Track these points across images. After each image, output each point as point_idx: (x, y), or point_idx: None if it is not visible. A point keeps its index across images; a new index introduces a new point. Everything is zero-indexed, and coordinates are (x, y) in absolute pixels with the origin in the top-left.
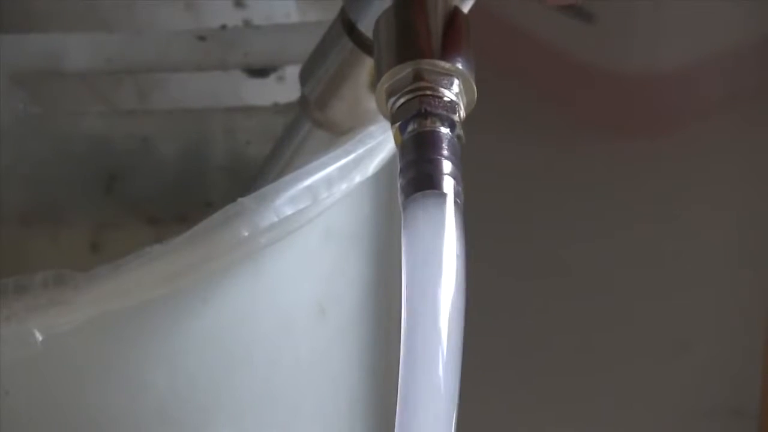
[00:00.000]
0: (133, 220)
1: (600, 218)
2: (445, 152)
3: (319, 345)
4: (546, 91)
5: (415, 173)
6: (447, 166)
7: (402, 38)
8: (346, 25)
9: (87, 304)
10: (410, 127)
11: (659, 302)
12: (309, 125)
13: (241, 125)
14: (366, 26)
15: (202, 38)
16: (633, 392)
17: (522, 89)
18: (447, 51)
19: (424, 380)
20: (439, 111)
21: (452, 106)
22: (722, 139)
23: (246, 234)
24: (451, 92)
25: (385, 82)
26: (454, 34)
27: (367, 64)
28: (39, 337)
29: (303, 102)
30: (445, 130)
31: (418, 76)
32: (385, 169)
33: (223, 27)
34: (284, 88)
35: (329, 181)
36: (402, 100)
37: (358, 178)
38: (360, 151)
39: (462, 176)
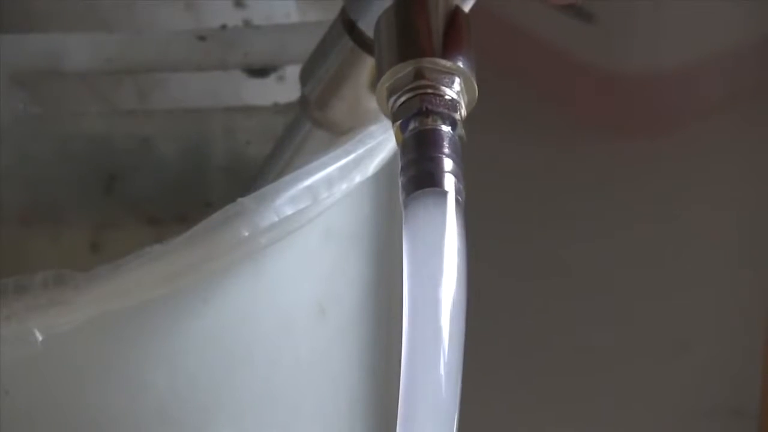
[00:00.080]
0: (133, 220)
1: (600, 218)
2: (446, 150)
3: (319, 345)
4: (546, 91)
5: (416, 171)
6: (448, 163)
7: (403, 37)
8: (347, 24)
9: (87, 304)
10: (411, 126)
11: (659, 302)
12: (309, 125)
13: (241, 125)
14: (366, 25)
15: (202, 38)
16: (633, 392)
17: (522, 89)
18: (448, 50)
19: (426, 378)
20: (440, 109)
21: (453, 104)
22: (722, 139)
23: (246, 234)
24: (452, 91)
25: (386, 81)
26: (455, 33)
27: (368, 63)
28: (39, 337)
29: (303, 102)
30: (446, 128)
31: (419, 75)
32: (385, 169)
33: (223, 27)
34: (284, 88)
35: (329, 181)
36: (403, 99)
37: (358, 178)
38: (360, 151)
39: (463, 174)
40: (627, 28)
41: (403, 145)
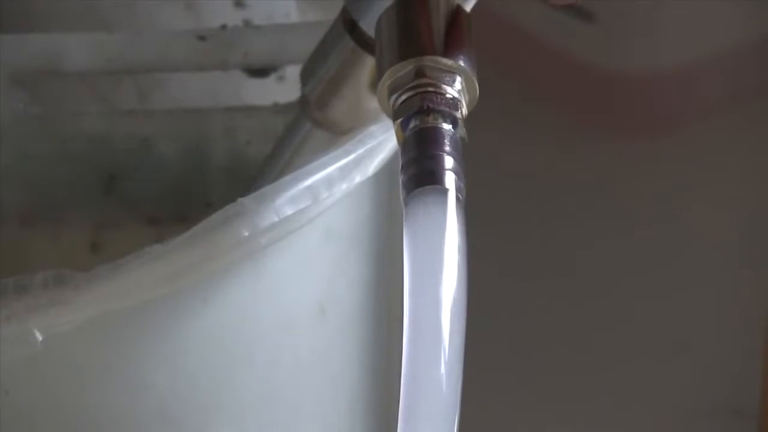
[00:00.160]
0: (133, 220)
1: (600, 218)
2: (447, 148)
3: (319, 345)
4: (546, 91)
5: (417, 169)
6: (449, 161)
7: (404, 36)
8: (348, 24)
9: (87, 304)
10: (412, 124)
11: (659, 302)
12: (309, 125)
13: (241, 125)
14: (367, 25)
15: (202, 38)
16: (633, 392)
17: (522, 89)
18: (449, 48)
19: (427, 377)
20: (441, 107)
21: (454, 102)
22: (722, 139)
23: (246, 234)
24: (454, 89)
25: (386, 80)
26: (456, 32)
27: (368, 63)
28: (39, 337)
29: (303, 102)
30: (447, 127)
31: (420, 73)
32: (385, 169)
33: (223, 27)
34: (284, 88)
35: (329, 181)
36: (404, 97)
37: (358, 178)
38: (360, 151)
39: (464, 172)
40: (627, 28)
41: (403, 143)
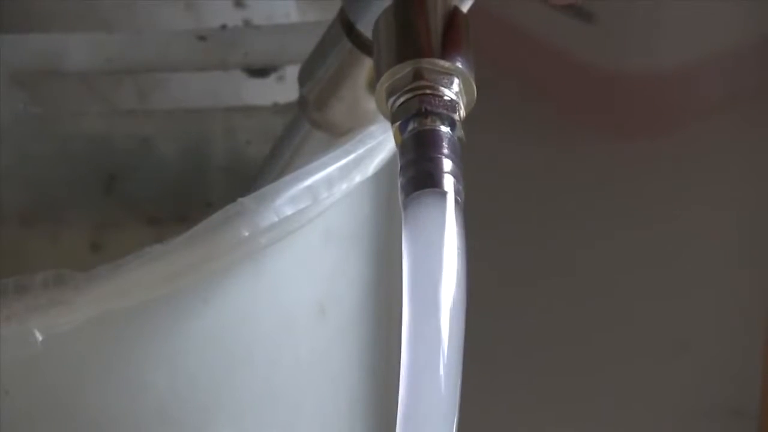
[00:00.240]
0: (133, 220)
1: (600, 218)
2: (446, 151)
3: (319, 345)
4: (546, 91)
5: (416, 172)
6: (447, 164)
7: (402, 38)
8: (345, 25)
9: (87, 304)
10: (410, 126)
11: (659, 302)
12: (308, 126)
13: (241, 125)
14: (365, 26)
15: (202, 38)
16: (633, 392)
17: (522, 89)
18: (447, 50)
19: (426, 379)
20: (439, 110)
21: (452, 105)
22: (722, 139)
23: (246, 234)
24: (451, 91)
25: (384, 82)
26: (453, 34)
27: (366, 64)
28: (39, 337)
29: (302, 102)
30: (445, 129)
31: (418, 75)
32: (385, 169)
33: (223, 27)
34: (284, 88)
35: (329, 181)
36: (402, 99)
37: (358, 178)
38: (360, 151)
39: (462, 175)
40: (627, 28)
41: (402, 145)
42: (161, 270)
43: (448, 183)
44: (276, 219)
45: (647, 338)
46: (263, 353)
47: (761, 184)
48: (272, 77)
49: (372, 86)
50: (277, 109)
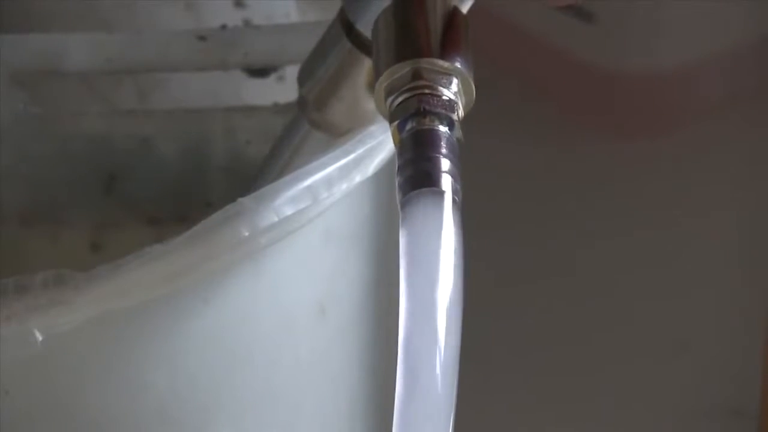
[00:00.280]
0: (133, 220)
1: (599, 218)
2: (444, 150)
3: (319, 345)
4: (546, 91)
5: (413, 171)
6: (445, 164)
7: (401, 37)
8: (345, 25)
9: (87, 304)
10: (408, 126)
11: (659, 302)
12: (307, 126)
13: (241, 125)
14: (365, 26)
15: (202, 38)
16: (633, 392)
17: (522, 89)
18: (446, 50)
19: (421, 378)
20: (438, 110)
21: (451, 105)
22: (722, 139)
23: (246, 234)
24: (450, 91)
25: (383, 81)
26: (453, 34)
27: (366, 64)
28: (39, 337)
29: (301, 103)
30: (443, 129)
31: (416, 75)
32: (385, 169)
33: (223, 27)
34: (284, 88)
35: (329, 181)
36: (400, 99)
37: (358, 178)
38: (360, 151)
39: (460, 174)
40: (627, 28)
41: (400, 145)
42: (161, 270)
43: (446, 182)
44: (276, 219)
45: (647, 338)
46: (263, 353)
47: (761, 184)
48: (272, 77)
49: (371, 86)
50: (277, 109)
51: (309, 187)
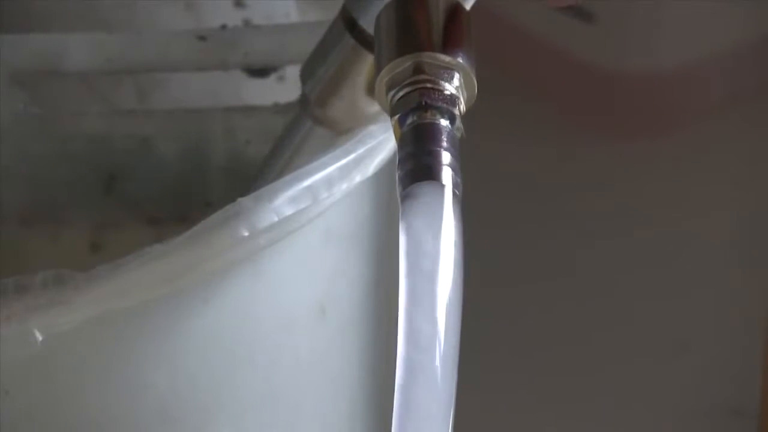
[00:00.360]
0: (133, 220)
1: (599, 218)
2: (445, 144)
3: (319, 345)
4: (546, 91)
5: (414, 164)
6: (446, 157)
7: (403, 32)
8: (348, 22)
9: (87, 304)
10: (410, 119)
11: (659, 302)
12: (309, 124)
13: (241, 125)
14: (367, 23)
15: (202, 38)
16: (633, 392)
17: (522, 89)
18: (448, 45)
19: (421, 371)
20: (439, 104)
21: (452, 99)
22: (722, 139)
23: (246, 234)
24: (452, 86)
25: (385, 75)
26: (455, 29)
27: (368, 61)
28: (39, 337)
29: (303, 101)
30: (444, 123)
31: (418, 69)
32: (385, 169)
33: (223, 27)
34: (284, 88)
35: (329, 181)
36: (402, 93)
37: (358, 178)
38: (360, 151)
39: (461, 168)
40: (627, 28)
41: (401, 138)
42: (161, 270)
43: (447, 175)
44: (276, 219)
45: (647, 338)
46: (263, 353)
47: (761, 184)
48: (272, 77)
49: (373, 83)
50: (277, 109)
51: (309, 187)
